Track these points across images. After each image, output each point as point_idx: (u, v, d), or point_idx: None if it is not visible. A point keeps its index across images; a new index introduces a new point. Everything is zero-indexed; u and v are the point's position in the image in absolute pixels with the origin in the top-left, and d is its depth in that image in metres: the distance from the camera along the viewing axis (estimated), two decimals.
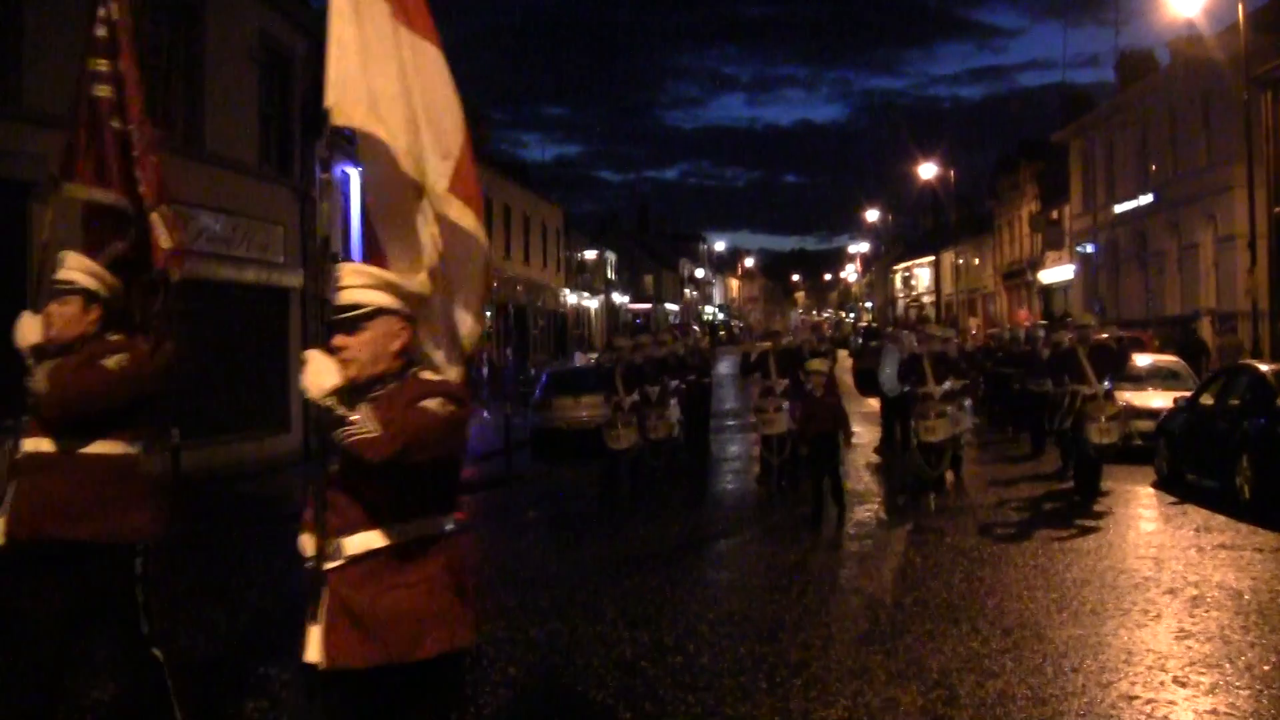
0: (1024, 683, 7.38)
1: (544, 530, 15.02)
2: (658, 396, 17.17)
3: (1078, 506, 14.64)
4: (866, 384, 30.43)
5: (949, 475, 16.22)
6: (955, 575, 10.79)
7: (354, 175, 27.19)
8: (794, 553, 12.36)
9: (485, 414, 32.14)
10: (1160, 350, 24.92)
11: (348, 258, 25.93)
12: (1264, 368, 15.37)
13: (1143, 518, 14.14)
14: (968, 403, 16.86)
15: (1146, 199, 39.01)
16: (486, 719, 7.02)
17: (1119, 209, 41.59)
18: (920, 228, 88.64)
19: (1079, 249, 46.10)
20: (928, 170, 65.07)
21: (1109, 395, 14.90)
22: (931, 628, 8.88)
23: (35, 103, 16.10)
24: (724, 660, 8.11)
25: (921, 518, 14.06)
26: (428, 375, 4.19)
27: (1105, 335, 16.73)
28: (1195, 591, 9.88)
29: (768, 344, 18.20)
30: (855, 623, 9.30)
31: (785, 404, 16.27)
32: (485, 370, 36.13)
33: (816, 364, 14.43)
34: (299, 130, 22.84)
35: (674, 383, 18.24)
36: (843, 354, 41.63)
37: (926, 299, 78.04)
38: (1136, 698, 7.07)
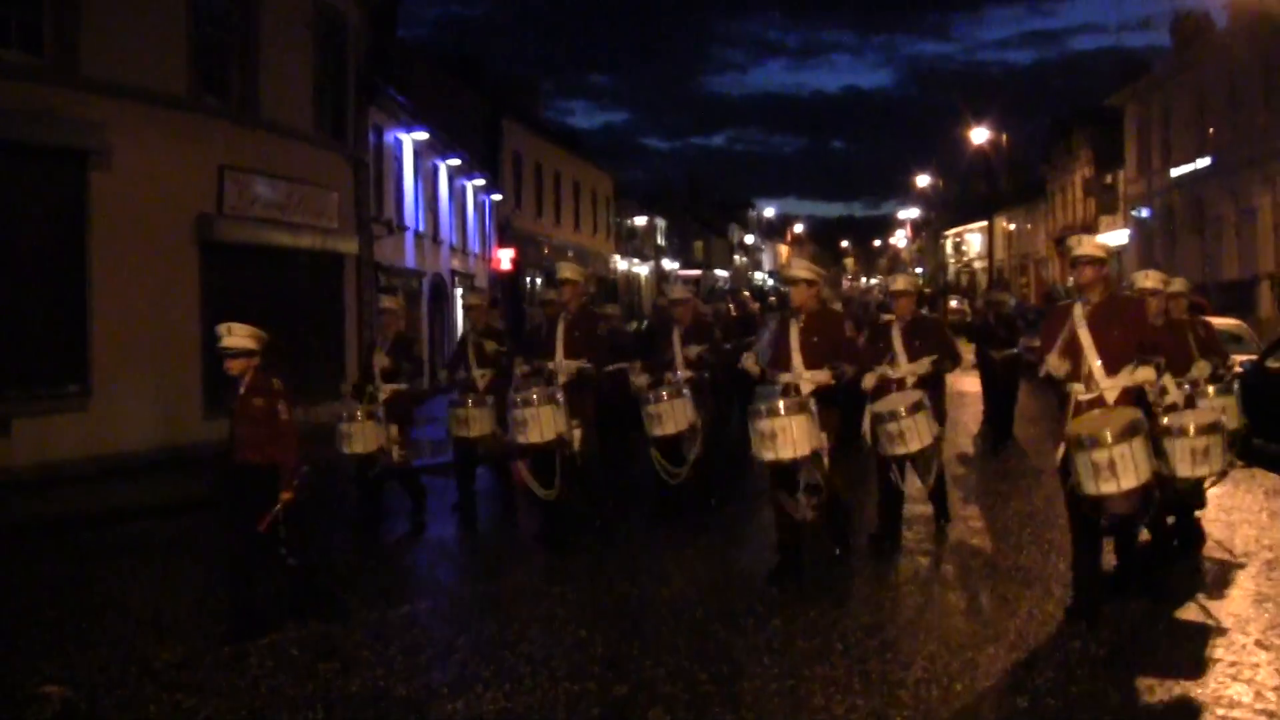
0: (1104, 644, 7.29)
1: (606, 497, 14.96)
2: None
3: None
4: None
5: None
6: (1023, 537, 10.69)
7: (406, 141, 27.24)
8: (856, 517, 12.27)
9: None
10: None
11: (400, 225, 26.00)
12: None
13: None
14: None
15: (1203, 163, 38.41)
16: (559, 679, 7.01)
17: (1175, 173, 40.97)
18: (971, 193, 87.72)
19: (1134, 214, 45.49)
20: (979, 135, 64.19)
21: (1190, 404, 9.43)
22: (1004, 591, 8.81)
23: (93, 71, 16.17)
24: (796, 624, 8.03)
25: (986, 479, 13.84)
26: None
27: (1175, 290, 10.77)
28: (1270, 555, 9.72)
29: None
30: (924, 586, 9.22)
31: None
32: None
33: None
34: (352, 97, 22.89)
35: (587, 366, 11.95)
36: None
37: (978, 264, 77.39)
38: (1219, 660, 6.96)
